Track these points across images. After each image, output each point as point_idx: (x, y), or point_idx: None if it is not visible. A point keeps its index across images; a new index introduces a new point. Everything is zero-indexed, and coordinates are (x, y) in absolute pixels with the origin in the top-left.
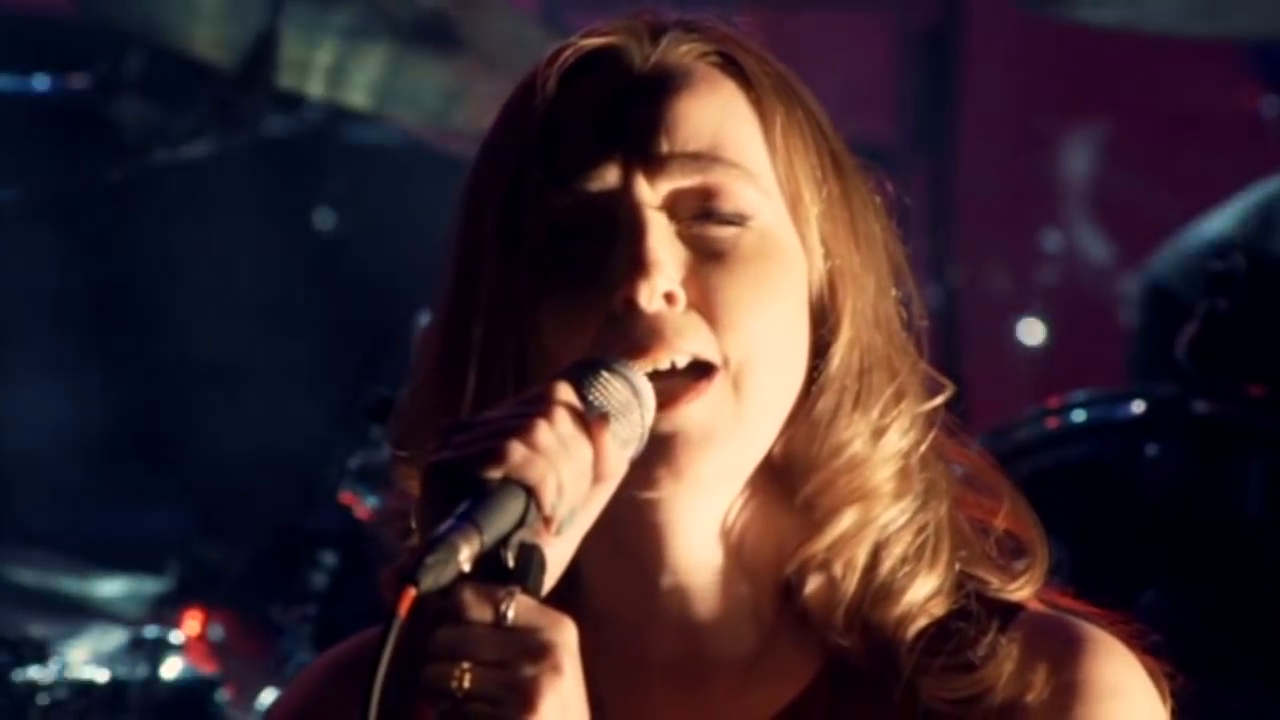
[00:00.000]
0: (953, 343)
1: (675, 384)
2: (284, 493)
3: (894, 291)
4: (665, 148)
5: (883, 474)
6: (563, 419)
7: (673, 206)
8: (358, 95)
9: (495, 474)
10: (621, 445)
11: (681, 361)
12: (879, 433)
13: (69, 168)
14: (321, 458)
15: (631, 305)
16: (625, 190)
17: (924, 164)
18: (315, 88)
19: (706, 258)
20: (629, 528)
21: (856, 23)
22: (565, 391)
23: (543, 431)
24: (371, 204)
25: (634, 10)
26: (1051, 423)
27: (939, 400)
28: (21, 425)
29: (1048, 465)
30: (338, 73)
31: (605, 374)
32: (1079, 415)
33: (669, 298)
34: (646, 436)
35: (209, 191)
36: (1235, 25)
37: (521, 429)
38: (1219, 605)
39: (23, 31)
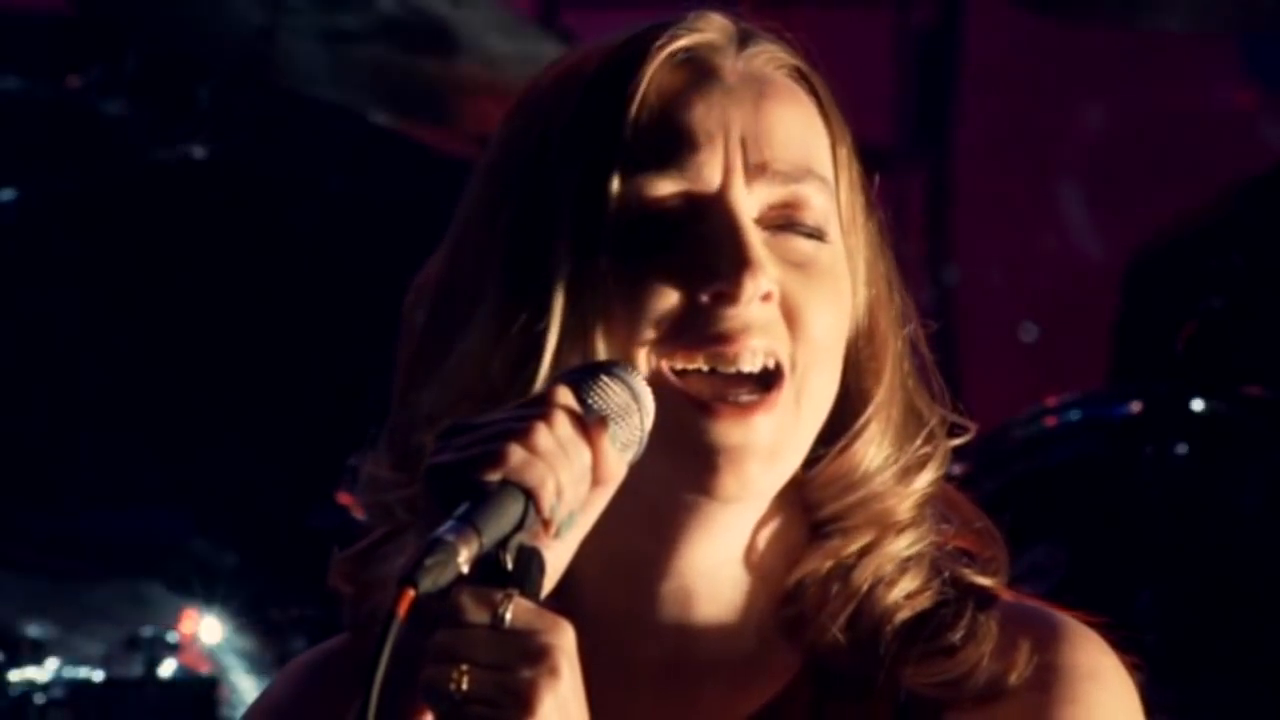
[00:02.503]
0: (949, 342)
1: (744, 390)
2: (282, 493)
3: (911, 326)
4: (765, 155)
5: (905, 506)
6: (562, 422)
7: (762, 215)
8: (354, 96)
9: (494, 476)
10: (621, 449)
11: (756, 365)
12: (909, 468)
13: (65, 170)
14: (320, 458)
15: (726, 298)
16: (725, 192)
17: (921, 164)
18: (313, 89)
19: (789, 267)
20: (650, 529)
21: (853, 22)
22: (564, 395)
23: (542, 434)
24: (369, 202)
25: (690, 13)
26: (1049, 422)
27: (963, 439)
28: (19, 424)
29: (1046, 464)
30: (335, 73)
31: (605, 378)
32: (1077, 414)
33: (765, 297)
34: (645, 441)
35: (213, 188)
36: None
37: (521, 432)
38: (1217, 604)
39: (17, 31)
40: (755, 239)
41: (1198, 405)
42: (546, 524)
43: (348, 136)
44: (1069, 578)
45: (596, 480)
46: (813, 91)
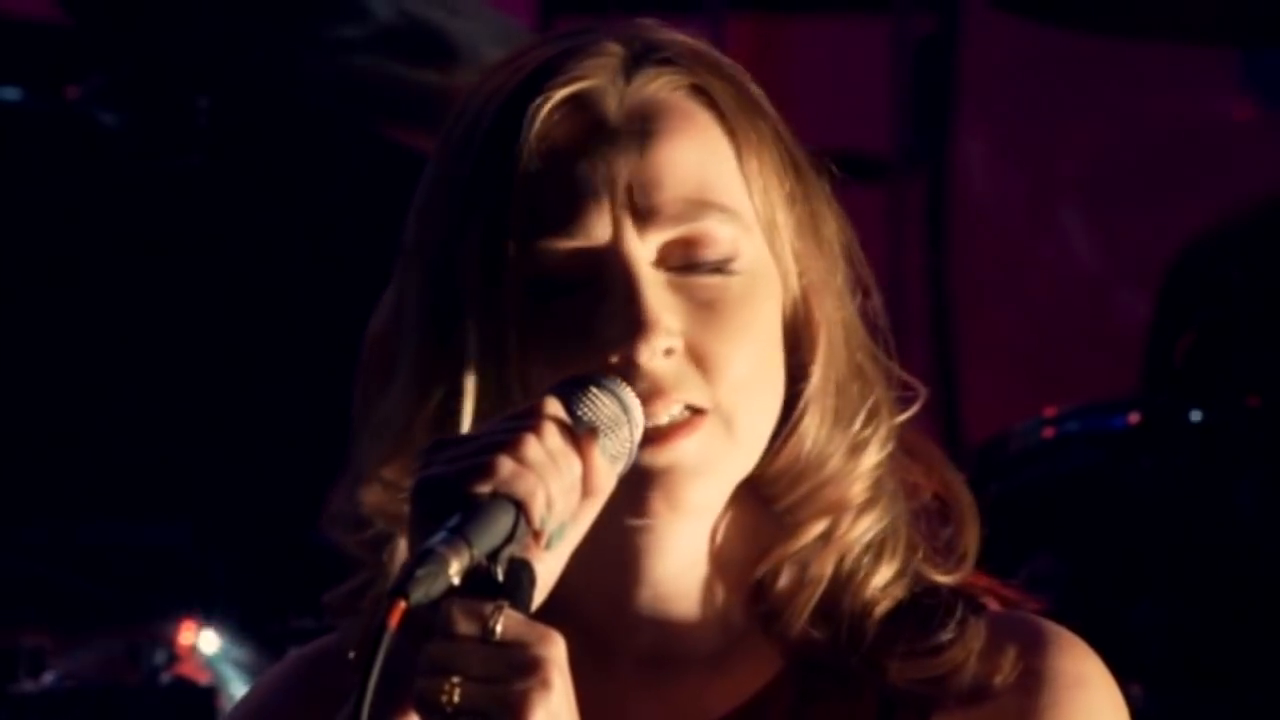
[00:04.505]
0: (948, 353)
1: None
2: (281, 504)
3: (859, 293)
4: (654, 199)
5: (858, 487)
6: (551, 434)
7: (661, 256)
8: (353, 106)
9: (484, 489)
10: (610, 461)
11: (676, 412)
12: (856, 448)
13: (63, 180)
14: (319, 469)
15: (632, 363)
16: (617, 245)
17: (920, 174)
18: (311, 99)
19: (697, 307)
20: (612, 550)
21: (851, 31)
22: (554, 406)
23: (531, 446)
24: (369, 212)
25: (599, 31)
26: (1048, 433)
27: (910, 411)
28: (17, 434)
29: (1044, 475)
30: (333, 83)
31: (594, 390)
32: (1075, 425)
33: (667, 352)
34: (635, 453)
35: (211, 198)
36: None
37: (510, 444)
38: (1215, 615)
39: (14, 41)
40: (650, 294)
41: (1196, 416)
42: (537, 535)
43: (346, 147)
44: (1067, 589)
45: (587, 491)
46: (713, 104)
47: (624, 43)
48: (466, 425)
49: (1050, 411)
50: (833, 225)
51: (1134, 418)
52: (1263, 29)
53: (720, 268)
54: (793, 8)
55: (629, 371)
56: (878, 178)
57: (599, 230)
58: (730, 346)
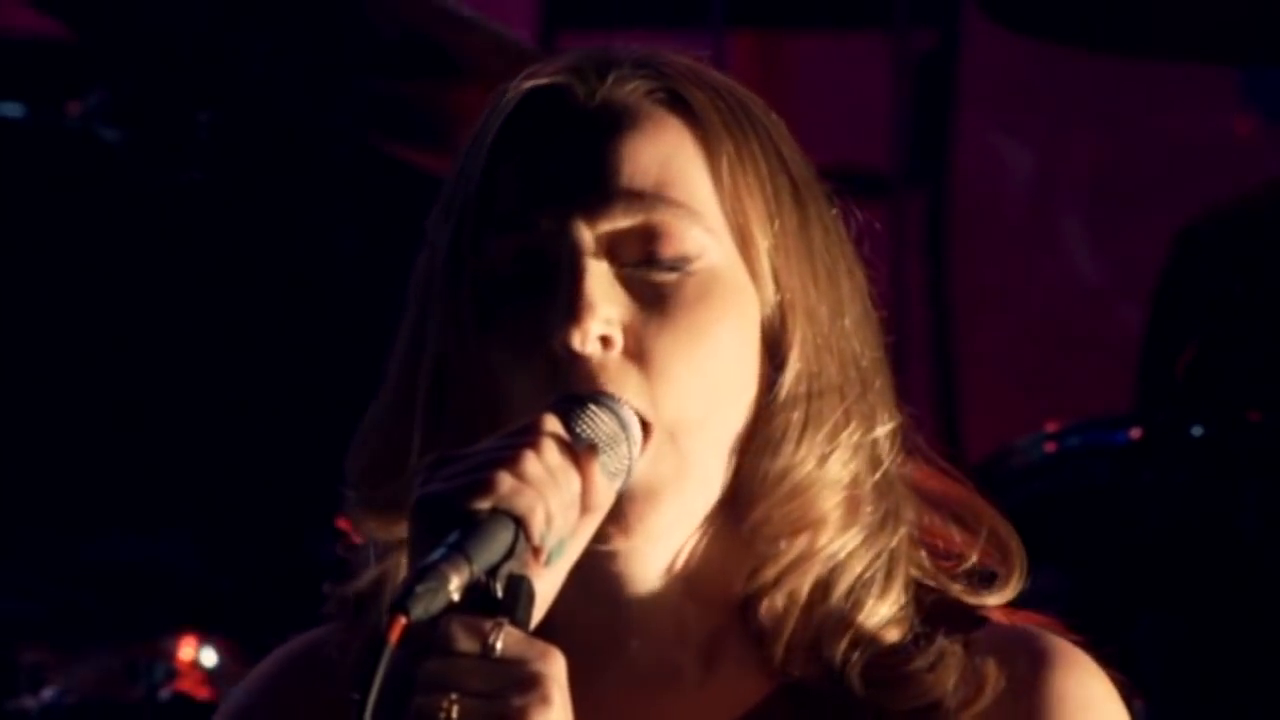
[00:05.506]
0: (949, 368)
1: None
2: (282, 517)
3: (849, 320)
4: (604, 187)
5: (827, 503)
6: (550, 450)
7: (614, 249)
8: (355, 122)
9: (484, 505)
10: (610, 477)
11: None
12: (822, 460)
13: (64, 196)
14: (320, 481)
15: (568, 350)
16: (562, 233)
17: (920, 188)
18: (313, 115)
19: (647, 304)
20: (589, 572)
21: (852, 47)
22: (552, 423)
23: (530, 462)
24: (369, 228)
25: (587, 47)
26: (1049, 447)
27: (884, 429)
28: (17, 448)
29: (1045, 491)
30: (335, 99)
31: (593, 406)
32: (1076, 440)
33: (605, 341)
34: (633, 470)
35: (212, 214)
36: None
37: (509, 460)
38: (1217, 630)
39: (16, 57)
40: (591, 281)
41: (1197, 431)
42: (536, 551)
43: (347, 162)
44: (1068, 604)
45: (585, 508)
46: (688, 112)
47: (610, 53)
48: (419, 430)
49: (1052, 426)
50: (835, 253)
51: (1136, 433)
52: (1263, 46)
53: (676, 265)
54: (794, 24)
55: (569, 360)
56: (878, 193)
57: (547, 218)
58: (674, 345)
